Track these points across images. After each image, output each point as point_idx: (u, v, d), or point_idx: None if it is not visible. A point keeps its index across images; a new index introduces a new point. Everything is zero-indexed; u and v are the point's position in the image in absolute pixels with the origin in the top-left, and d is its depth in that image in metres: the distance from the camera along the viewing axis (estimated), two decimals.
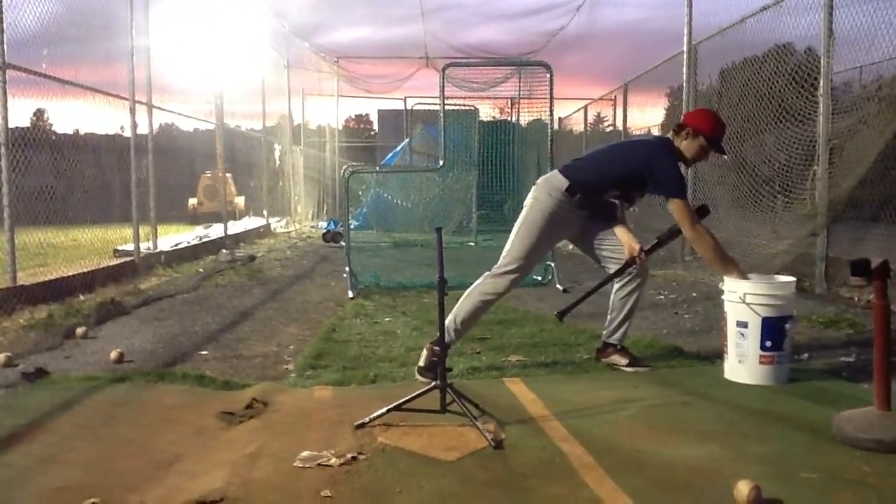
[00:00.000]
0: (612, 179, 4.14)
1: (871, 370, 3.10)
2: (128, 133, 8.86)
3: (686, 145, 4.12)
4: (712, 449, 2.92)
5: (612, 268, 4.24)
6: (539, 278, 7.69)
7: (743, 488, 2.39)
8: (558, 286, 7.32)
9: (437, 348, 4.02)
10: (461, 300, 4.13)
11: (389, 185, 13.69)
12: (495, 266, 4.12)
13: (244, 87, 14.78)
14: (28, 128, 7.71)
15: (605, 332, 4.37)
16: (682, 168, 4.22)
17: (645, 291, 4.32)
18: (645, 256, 4.14)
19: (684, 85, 9.27)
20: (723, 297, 4.00)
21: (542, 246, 4.21)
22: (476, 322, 4.20)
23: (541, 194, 4.15)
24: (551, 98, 8.01)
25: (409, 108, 18.49)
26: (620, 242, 4.20)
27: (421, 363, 4.05)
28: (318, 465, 2.77)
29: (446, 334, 4.02)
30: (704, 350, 4.64)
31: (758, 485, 2.40)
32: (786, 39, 7.32)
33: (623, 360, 4.26)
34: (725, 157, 4.46)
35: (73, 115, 8.06)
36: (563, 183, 4.10)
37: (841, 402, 3.41)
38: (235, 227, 13.51)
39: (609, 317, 4.36)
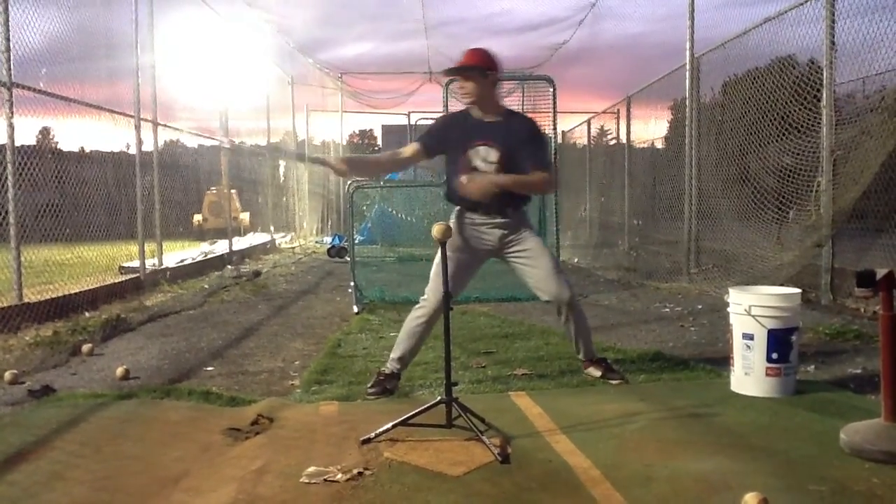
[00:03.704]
0: (448, 172, 4.19)
1: (878, 381, 3.09)
2: (133, 150, 8.91)
3: None
4: (720, 462, 2.90)
5: (536, 290, 4.21)
6: None
7: (751, 501, 2.39)
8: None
9: (383, 369, 4.13)
10: (402, 327, 4.16)
11: (394, 200, 13.71)
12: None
13: (249, 103, 14.86)
14: (34, 145, 7.76)
15: (574, 352, 4.39)
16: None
17: (575, 310, 4.17)
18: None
19: (687, 97, 9.30)
20: (728, 309, 3.99)
21: (460, 267, 4.10)
22: (420, 345, 4.15)
23: (452, 221, 4.18)
24: (554, 112, 8.04)
25: (412, 123, 18.54)
26: (537, 265, 4.12)
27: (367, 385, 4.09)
28: (325, 480, 2.76)
29: (391, 363, 4.11)
30: (710, 362, 4.62)
31: (766, 497, 2.39)
32: (788, 51, 7.33)
33: (596, 373, 4.26)
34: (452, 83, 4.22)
35: (78, 133, 8.11)
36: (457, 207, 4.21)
37: (848, 413, 3.40)
38: (240, 243, 13.54)
39: (568, 339, 4.39)
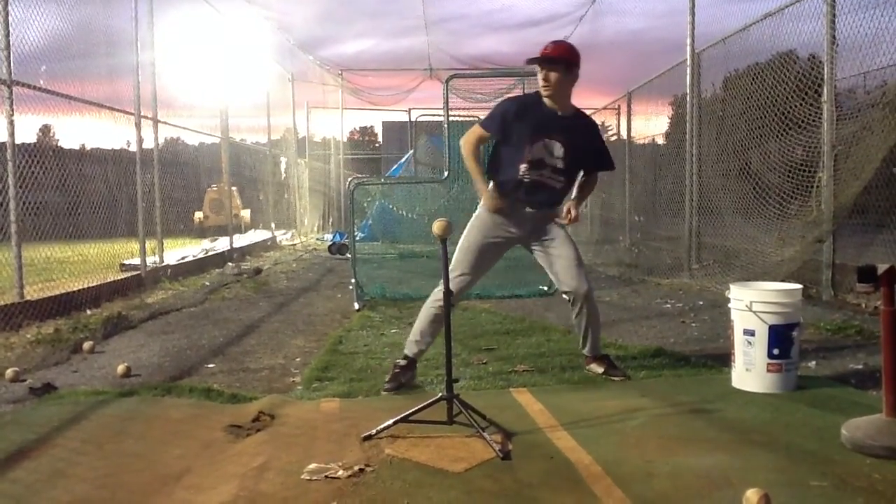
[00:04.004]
0: (502, 155, 4.18)
1: (879, 377, 3.09)
2: (134, 147, 8.91)
3: None
4: (721, 458, 2.90)
5: (555, 279, 4.25)
6: (545, 288, 7.68)
7: (752, 497, 2.38)
8: (564, 296, 7.31)
9: (398, 361, 4.16)
10: (420, 313, 4.18)
11: (394, 197, 13.71)
12: None
13: (249, 101, 14.85)
14: (35, 143, 7.76)
15: (579, 346, 4.39)
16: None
17: (591, 304, 4.20)
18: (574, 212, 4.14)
19: (688, 93, 9.28)
20: (729, 305, 3.99)
21: (482, 251, 4.17)
22: (436, 333, 4.15)
23: (481, 204, 4.24)
24: None
25: (413, 119, 18.54)
26: (561, 254, 4.17)
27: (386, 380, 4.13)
28: (326, 477, 2.76)
29: (409, 347, 4.14)
30: (712, 359, 4.62)
31: (767, 493, 2.39)
32: (789, 47, 7.32)
33: (599, 369, 4.28)
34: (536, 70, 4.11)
35: (79, 130, 8.11)
36: (494, 187, 4.21)
37: (849, 409, 3.40)
38: (241, 241, 13.53)
39: (576, 332, 4.40)
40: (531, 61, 4.07)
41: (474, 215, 4.28)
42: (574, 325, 4.37)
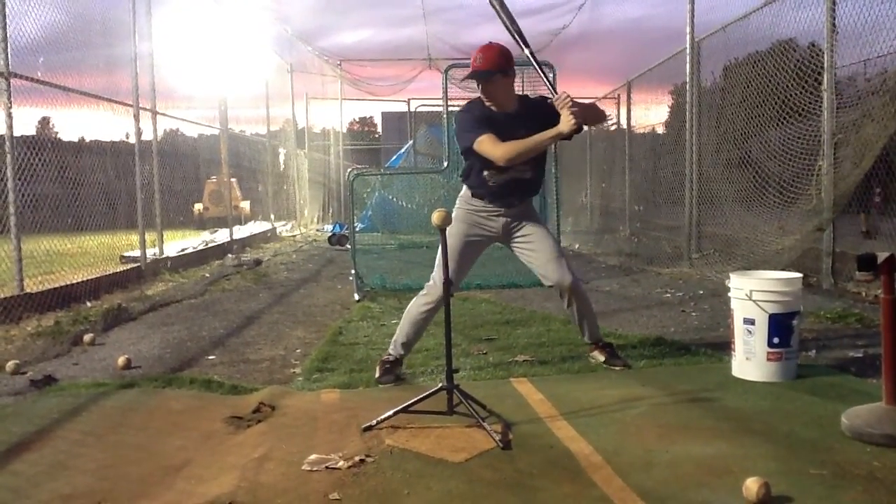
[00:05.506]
0: (469, 163, 4.12)
1: (879, 365, 3.09)
2: (133, 139, 8.90)
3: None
4: (721, 446, 2.91)
5: (539, 274, 4.20)
6: None
7: (752, 485, 2.39)
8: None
9: (385, 357, 4.15)
10: (405, 314, 4.16)
11: (394, 187, 13.69)
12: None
13: (248, 92, 14.81)
14: (34, 136, 7.74)
15: (579, 336, 4.41)
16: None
17: (578, 294, 4.17)
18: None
19: (688, 82, 9.26)
20: (729, 294, 3.99)
21: (464, 253, 4.13)
22: (422, 334, 4.18)
23: (457, 206, 4.22)
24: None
25: (412, 109, 18.51)
26: (539, 249, 4.12)
27: (376, 375, 4.10)
28: (326, 468, 2.77)
29: (393, 347, 4.14)
30: (712, 347, 4.62)
31: (767, 481, 2.39)
32: (789, 34, 7.29)
33: (601, 357, 4.28)
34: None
35: (77, 123, 8.08)
36: (467, 190, 4.19)
37: (849, 397, 3.40)
38: (241, 232, 13.53)
39: (572, 323, 4.40)
40: (467, 78, 4.00)
41: (455, 215, 4.15)
42: (569, 317, 4.37)
